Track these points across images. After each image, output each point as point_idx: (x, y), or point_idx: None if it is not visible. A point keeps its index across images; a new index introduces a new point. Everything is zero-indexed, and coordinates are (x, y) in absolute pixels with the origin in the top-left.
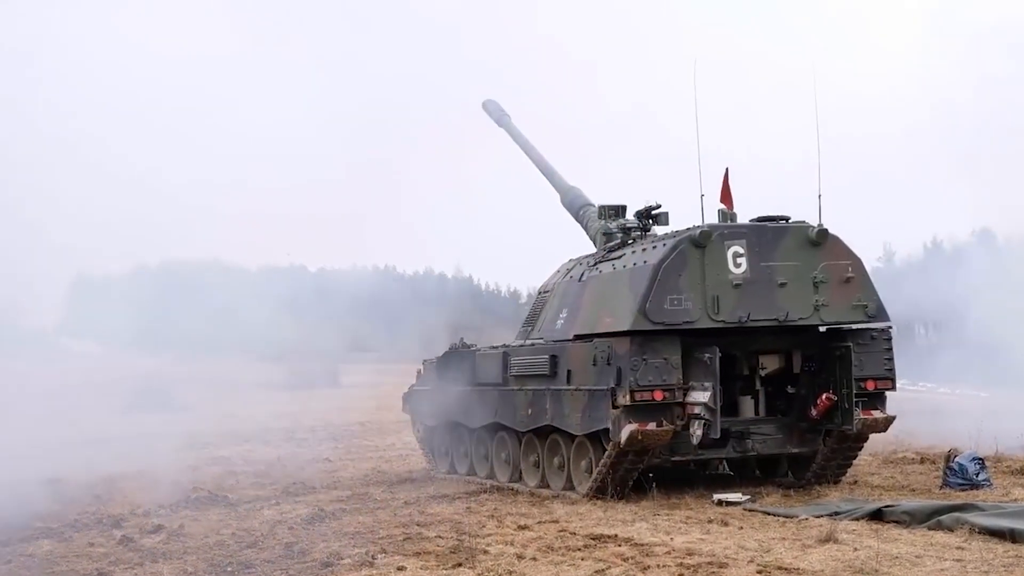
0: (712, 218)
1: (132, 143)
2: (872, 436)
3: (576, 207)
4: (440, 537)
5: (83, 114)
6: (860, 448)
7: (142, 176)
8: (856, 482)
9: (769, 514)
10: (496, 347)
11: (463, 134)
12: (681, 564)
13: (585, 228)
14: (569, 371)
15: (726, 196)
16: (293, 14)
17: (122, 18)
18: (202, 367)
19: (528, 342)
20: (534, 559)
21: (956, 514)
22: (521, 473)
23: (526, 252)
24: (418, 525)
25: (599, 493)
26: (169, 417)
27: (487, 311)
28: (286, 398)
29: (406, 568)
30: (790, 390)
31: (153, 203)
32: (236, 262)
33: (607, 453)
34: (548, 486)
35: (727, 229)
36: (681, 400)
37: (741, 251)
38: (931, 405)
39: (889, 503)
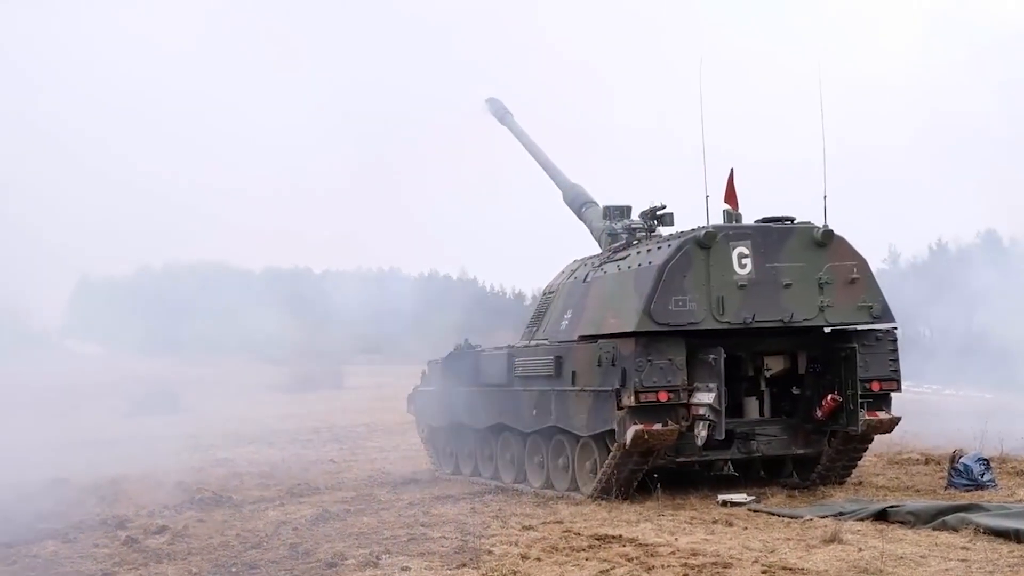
0: (717, 219)
1: (135, 147)
2: (877, 437)
3: (578, 204)
4: (444, 537)
5: (85, 118)
6: (865, 449)
7: (145, 179)
8: (861, 483)
9: (774, 515)
10: (501, 348)
11: (468, 136)
12: (686, 564)
13: (588, 226)
14: (574, 372)
15: (731, 197)
16: (298, 19)
17: (127, 26)
18: (206, 369)
19: (533, 343)
20: (538, 559)
21: (961, 514)
22: (526, 474)
23: (531, 254)
24: (422, 526)
25: (604, 494)
26: (173, 419)
27: (492, 313)
28: (290, 400)
29: (410, 568)
30: (795, 391)
31: (156, 206)
32: (241, 264)
33: (612, 454)
34: (552, 487)
35: (732, 230)
36: (686, 401)
37: (746, 252)
38: (935, 407)
39: (894, 503)
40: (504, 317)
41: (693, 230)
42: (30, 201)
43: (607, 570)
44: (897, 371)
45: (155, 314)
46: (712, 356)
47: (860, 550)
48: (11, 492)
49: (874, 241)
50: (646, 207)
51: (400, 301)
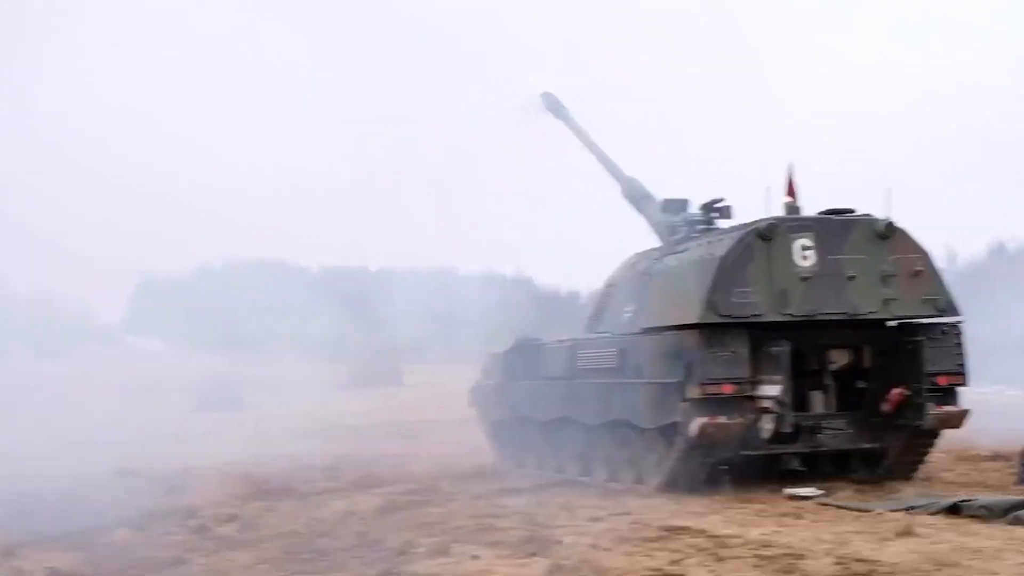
0: (776, 212)
1: (196, 151)
2: (944, 433)
3: (636, 197)
4: (513, 528)
5: (148, 123)
6: (932, 444)
7: (205, 178)
8: (929, 478)
9: (843, 508)
10: (563, 340)
11: (523, 133)
12: (757, 555)
13: (647, 219)
14: (637, 364)
15: (791, 191)
16: (351, 17)
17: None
18: (266, 367)
19: (594, 336)
20: (608, 550)
21: None
22: (591, 466)
23: (586, 252)
24: (489, 516)
25: (670, 486)
26: (236, 415)
27: (546, 312)
28: (350, 397)
29: (480, 557)
30: (860, 385)
31: (215, 204)
32: (298, 262)
33: (677, 447)
34: (618, 480)
35: (793, 222)
36: (751, 394)
37: (808, 244)
38: (1000, 407)
39: (965, 498)
40: (559, 316)
41: (754, 222)
42: (93, 202)
43: (678, 560)
44: (964, 365)
45: (214, 312)
46: (777, 349)
47: (934, 543)
48: (81, 482)
49: (931, 241)
50: (706, 200)
51: (456, 300)
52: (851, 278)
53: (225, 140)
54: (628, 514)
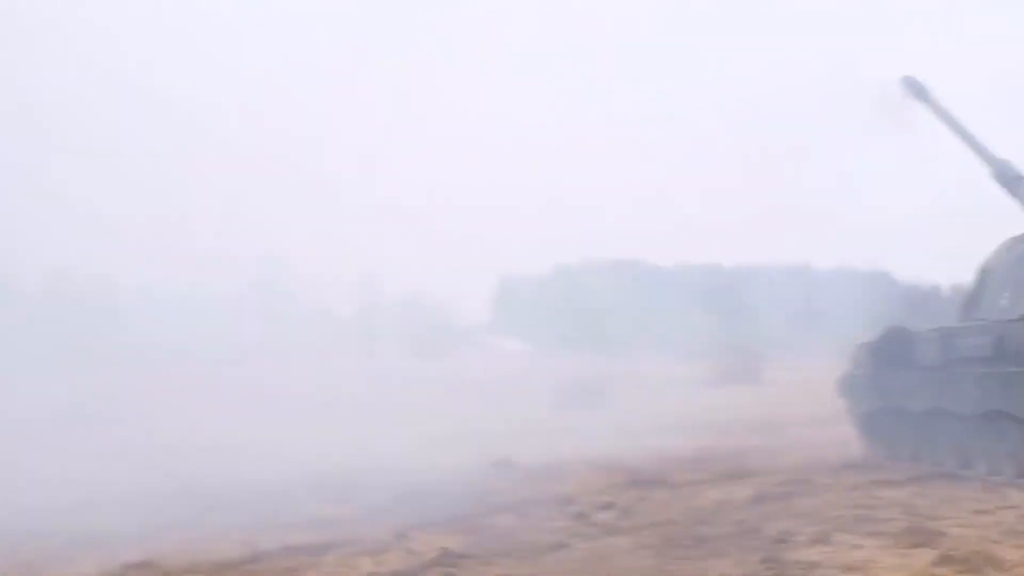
0: None
1: (552, 154)
2: None
3: (1008, 180)
4: (893, 519)
5: (514, 127)
6: None
7: (559, 179)
8: None
9: None
10: (935, 329)
11: (879, 122)
12: None
13: (1021, 202)
14: (1017, 352)
15: None
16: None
17: None
18: (625, 365)
19: (970, 323)
20: (998, 542)
21: None
22: (970, 459)
23: (947, 244)
24: (867, 507)
25: None
26: (599, 412)
27: (907, 306)
28: (711, 393)
29: (863, 546)
30: None
31: (571, 204)
32: (652, 260)
33: None
34: (1000, 473)
35: None
36: None
37: None
38: None
39: None
40: (920, 311)
41: None
42: (456, 207)
43: None
44: None
45: (572, 311)
46: None
47: None
48: (461, 473)
49: None
50: None
51: (815, 296)
52: None
53: (577, 146)
54: (1016, 507)
